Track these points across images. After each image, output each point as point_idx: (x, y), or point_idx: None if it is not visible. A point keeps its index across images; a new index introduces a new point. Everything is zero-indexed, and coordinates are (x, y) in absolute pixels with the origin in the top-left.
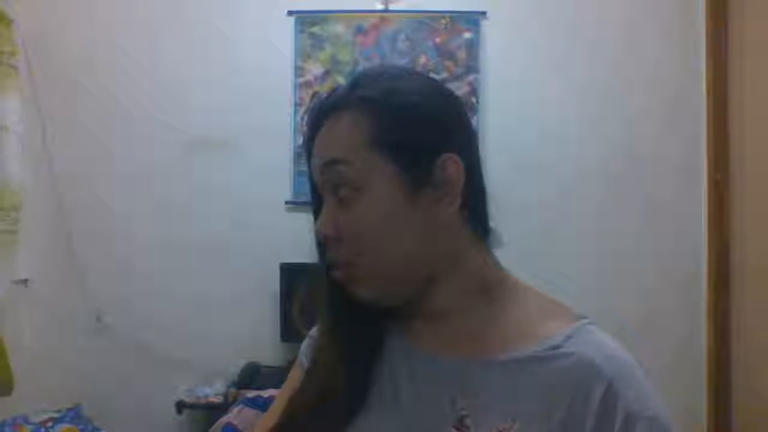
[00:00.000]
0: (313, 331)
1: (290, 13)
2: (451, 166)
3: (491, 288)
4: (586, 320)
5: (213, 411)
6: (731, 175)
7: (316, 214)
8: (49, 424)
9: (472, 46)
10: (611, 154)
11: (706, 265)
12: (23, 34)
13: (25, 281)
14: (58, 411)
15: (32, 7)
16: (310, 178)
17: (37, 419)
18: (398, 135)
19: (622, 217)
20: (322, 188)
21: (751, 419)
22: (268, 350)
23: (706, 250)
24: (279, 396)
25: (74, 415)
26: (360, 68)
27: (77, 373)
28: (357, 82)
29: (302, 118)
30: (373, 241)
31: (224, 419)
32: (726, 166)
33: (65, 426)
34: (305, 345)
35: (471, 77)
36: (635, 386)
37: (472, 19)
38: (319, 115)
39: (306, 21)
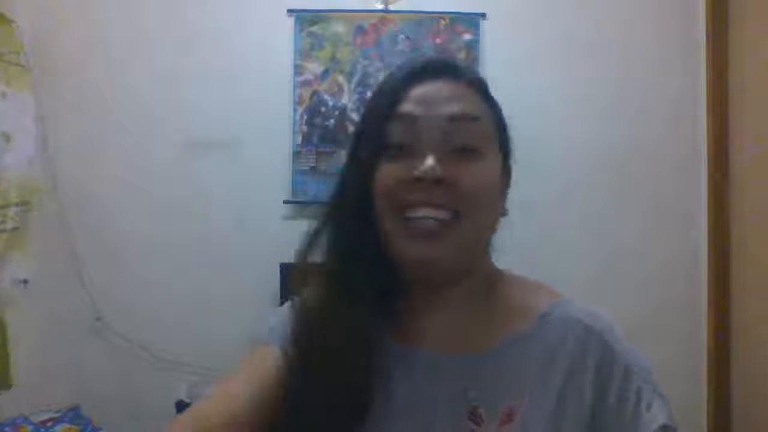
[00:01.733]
0: (283, 310)
1: (290, 11)
2: (512, 171)
3: (490, 282)
4: (566, 297)
5: None
6: (731, 174)
7: (368, 163)
8: (49, 424)
9: (472, 47)
10: (612, 155)
11: (706, 263)
12: (22, 34)
13: (24, 281)
14: (58, 411)
15: (30, 7)
16: (367, 130)
17: (36, 419)
18: (504, 127)
19: (623, 217)
20: (433, 138)
21: (751, 419)
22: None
23: (706, 249)
24: (236, 379)
25: (74, 415)
26: (360, 68)
27: (77, 373)
28: (466, 65)
29: (301, 117)
30: (481, 202)
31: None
32: (726, 165)
33: (65, 426)
34: (276, 323)
35: None
36: (623, 341)
37: (472, 21)
38: (443, 68)
39: (306, 20)
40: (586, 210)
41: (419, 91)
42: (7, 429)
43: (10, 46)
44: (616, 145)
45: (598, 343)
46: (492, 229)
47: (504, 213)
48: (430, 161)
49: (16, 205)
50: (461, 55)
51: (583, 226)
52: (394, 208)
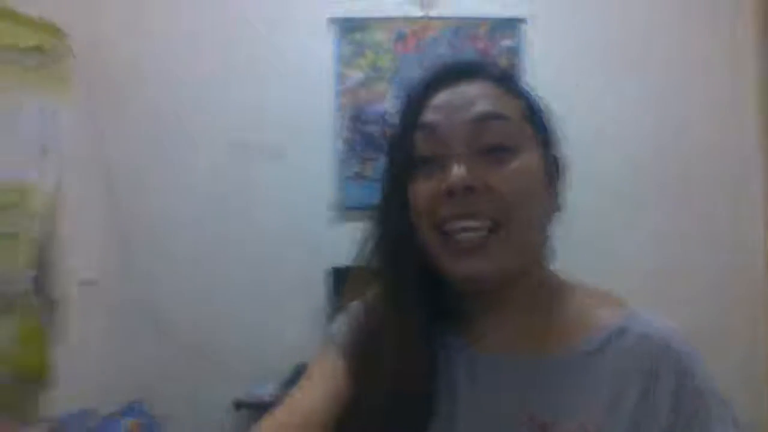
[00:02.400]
0: (350, 311)
1: (331, 20)
2: (561, 165)
3: (548, 285)
4: (638, 308)
5: (265, 411)
6: None
7: (398, 178)
8: (116, 417)
9: (513, 53)
10: (661, 160)
11: (765, 275)
12: (75, 44)
13: (89, 282)
14: (123, 405)
15: (82, 17)
16: (396, 143)
17: (103, 412)
18: (541, 117)
19: (676, 226)
20: (462, 143)
21: None
22: (317, 351)
23: (765, 256)
24: (306, 386)
25: (138, 410)
26: (401, 75)
27: (138, 371)
28: (483, 61)
29: (344, 124)
30: (521, 201)
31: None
32: None
33: (130, 420)
34: (340, 326)
35: None
36: (701, 364)
37: (513, 26)
38: (450, 75)
39: (347, 28)
40: (635, 218)
41: (440, 98)
42: (77, 420)
43: (61, 59)
44: (666, 151)
45: (676, 365)
46: (541, 227)
47: (557, 209)
48: (455, 171)
49: (43, 214)
50: (502, 61)
51: (632, 235)
52: (431, 226)
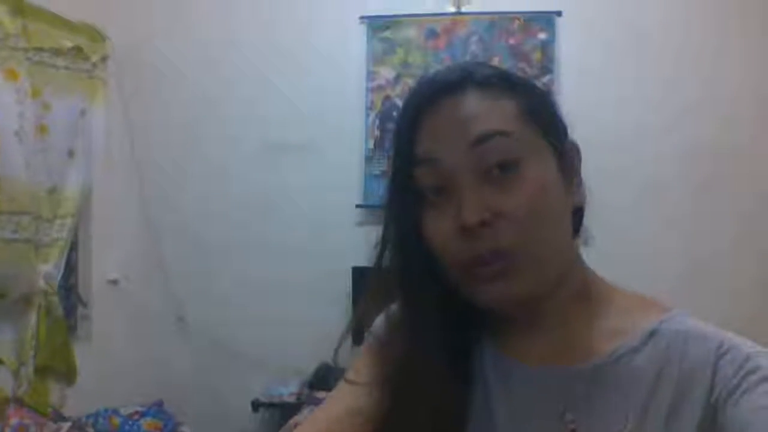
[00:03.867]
0: (389, 313)
1: (363, 18)
2: (574, 150)
3: (587, 290)
4: (678, 310)
5: (287, 410)
6: None
7: (399, 215)
8: (136, 417)
9: (547, 47)
10: (694, 157)
11: None
12: (112, 46)
13: (115, 281)
14: (143, 405)
15: (119, 19)
16: (397, 176)
17: (125, 412)
18: (540, 110)
19: (705, 222)
20: (461, 171)
21: None
22: (339, 352)
23: None
24: (335, 396)
25: (157, 410)
26: (431, 71)
27: (160, 370)
28: (466, 67)
29: (374, 122)
30: (539, 220)
31: (293, 420)
32: None
33: (149, 420)
34: (377, 329)
35: (546, 78)
36: (741, 347)
37: (547, 19)
38: (435, 93)
39: (378, 26)
40: (665, 215)
41: (431, 123)
42: (100, 419)
43: (100, 62)
44: (700, 147)
45: (712, 360)
46: (565, 231)
47: (579, 204)
48: (466, 206)
49: (72, 216)
50: (536, 55)
51: (661, 231)
52: (452, 264)
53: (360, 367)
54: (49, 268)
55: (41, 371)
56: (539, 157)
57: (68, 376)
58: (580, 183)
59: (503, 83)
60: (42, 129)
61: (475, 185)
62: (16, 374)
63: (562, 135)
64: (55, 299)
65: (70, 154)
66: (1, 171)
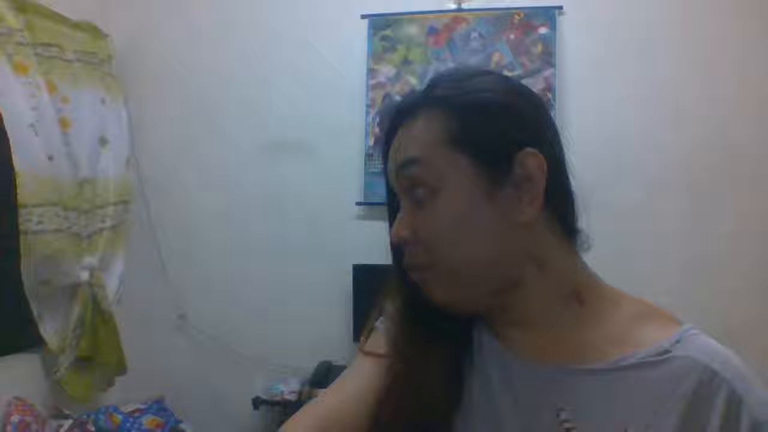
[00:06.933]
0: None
1: (364, 16)
2: (531, 161)
3: (582, 292)
4: (689, 326)
5: (288, 408)
6: None
7: (392, 218)
8: (136, 414)
9: (548, 42)
10: (696, 155)
11: None
12: (113, 44)
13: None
14: (144, 403)
15: (122, 20)
16: (387, 182)
17: (126, 410)
18: (474, 131)
19: (708, 221)
20: (398, 191)
21: None
22: (340, 349)
23: None
24: (336, 386)
25: (158, 407)
26: (432, 68)
27: (160, 368)
28: (431, 83)
29: (374, 119)
30: (449, 242)
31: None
32: None
33: (150, 417)
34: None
35: (546, 73)
36: (756, 391)
37: (548, 14)
38: (394, 120)
39: (379, 24)
40: (668, 213)
41: (392, 146)
42: (101, 416)
43: (106, 58)
44: (702, 145)
45: (726, 394)
46: (506, 245)
47: (529, 217)
48: (394, 226)
49: (114, 204)
50: (536, 50)
51: (664, 229)
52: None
53: (377, 339)
54: (93, 260)
55: (85, 360)
56: (460, 180)
57: (117, 366)
58: (539, 194)
59: (448, 101)
60: (64, 123)
61: (407, 205)
62: (55, 359)
63: (510, 151)
64: (102, 291)
65: (102, 141)
66: (19, 165)
